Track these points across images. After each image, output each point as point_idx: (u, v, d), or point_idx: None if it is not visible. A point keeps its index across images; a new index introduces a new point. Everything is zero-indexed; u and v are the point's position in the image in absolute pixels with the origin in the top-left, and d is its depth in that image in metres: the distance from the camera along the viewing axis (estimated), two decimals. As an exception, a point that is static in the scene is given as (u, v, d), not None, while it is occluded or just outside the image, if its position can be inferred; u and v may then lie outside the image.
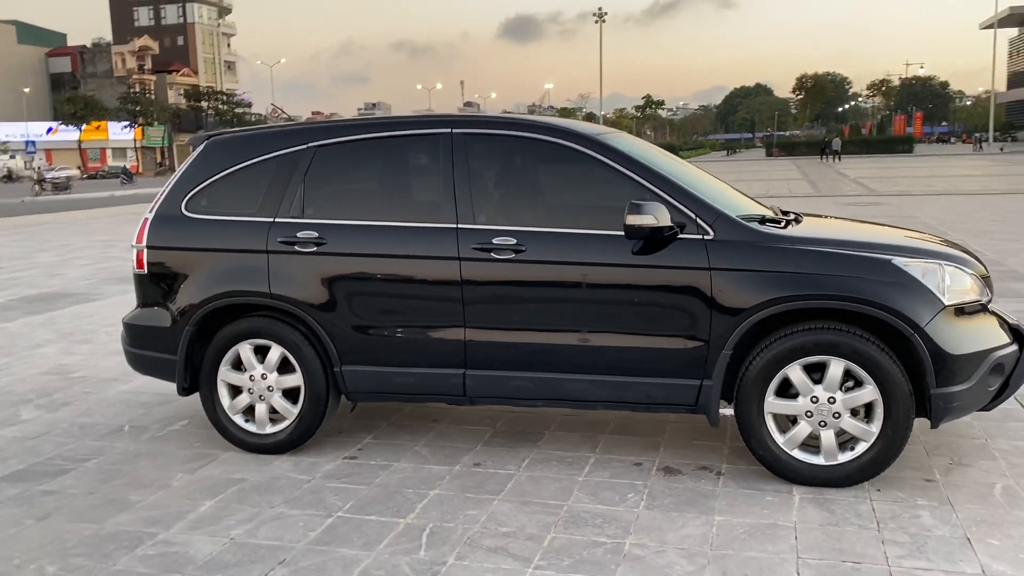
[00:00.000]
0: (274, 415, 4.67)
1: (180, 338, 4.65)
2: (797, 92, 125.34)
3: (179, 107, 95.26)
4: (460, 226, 4.30)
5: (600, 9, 71.74)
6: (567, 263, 4.16)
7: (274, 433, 4.64)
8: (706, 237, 4.04)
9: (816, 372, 3.97)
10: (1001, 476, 4.09)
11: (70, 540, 3.70)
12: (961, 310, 3.95)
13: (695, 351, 4.05)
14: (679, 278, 4.04)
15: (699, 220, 4.07)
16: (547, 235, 4.21)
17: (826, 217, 5.28)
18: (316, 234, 4.47)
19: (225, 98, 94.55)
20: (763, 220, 4.27)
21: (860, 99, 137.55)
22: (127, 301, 9.69)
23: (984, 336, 3.97)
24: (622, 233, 4.07)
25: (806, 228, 4.35)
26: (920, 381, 3.90)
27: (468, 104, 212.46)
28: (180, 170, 4.86)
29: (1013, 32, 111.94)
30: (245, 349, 4.61)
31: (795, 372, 3.95)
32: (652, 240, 4.05)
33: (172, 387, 5.87)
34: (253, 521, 3.84)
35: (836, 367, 3.90)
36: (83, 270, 12.62)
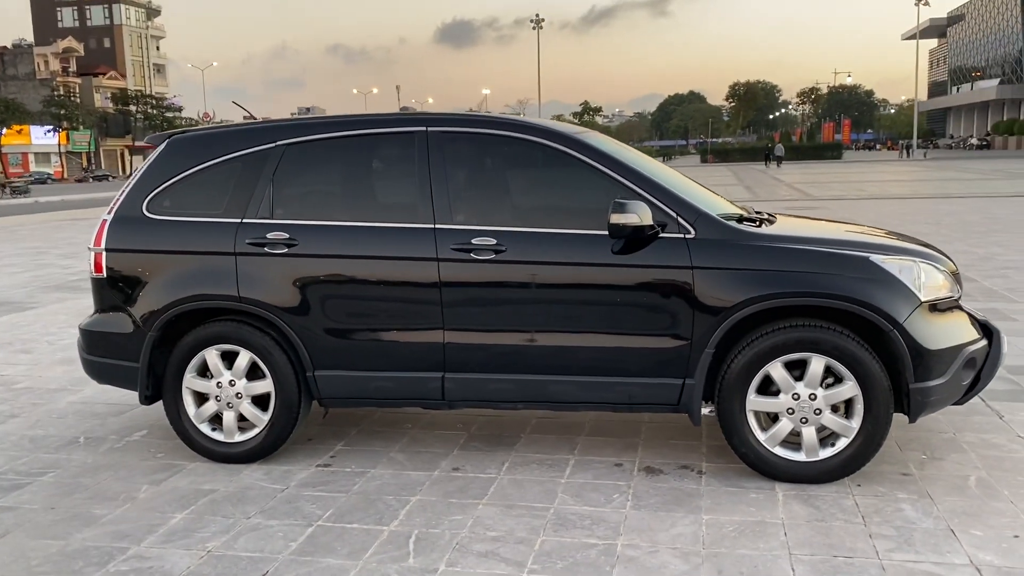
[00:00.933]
0: (242, 423, 4.52)
1: (142, 345, 4.46)
2: (730, 100, 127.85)
3: (106, 111, 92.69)
4: (438, 226, 4.22)
5: (538, 15, 72.15)
6: (548, 263, 4.11)
7: (243, 441, 4.48)
8: (687, 236, 4.04)
9: (796, 369, 4.00)
10: (974, 468, 4.17)
11: (34, 558, 3.51)
12: (935, 306, 4.02)
13: (678, 350, 4.04)
14: (661, 277, 4.02)
15: (680, 219, 4.06)
16: (528, 235, 4.16)
17: (798, 217, 5.34)
18: (287, 235, 4.33)
19: (155, 102, 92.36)
20: (740, 219, 4.29)
21: (790, 107, 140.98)
22: (66, 309, 9.35)
23: (957, 332, 4.05)
24: (603, 232, 4.05)
25: (782, 227, 4.38)
26: (897, 377, 3.95)
27: (404, 109, 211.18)
28: (140, 170, 4.68)
29: (933, 43, 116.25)
30: (212, 355, 4.45)
31: (776, 369, 3.97)
32: (634, 239, 4.03)
33: (126, 396, 5.73)
34: (229, 533, 3.69)
35: (817, 364, 3.93)
36: (15, 278, 12.12)
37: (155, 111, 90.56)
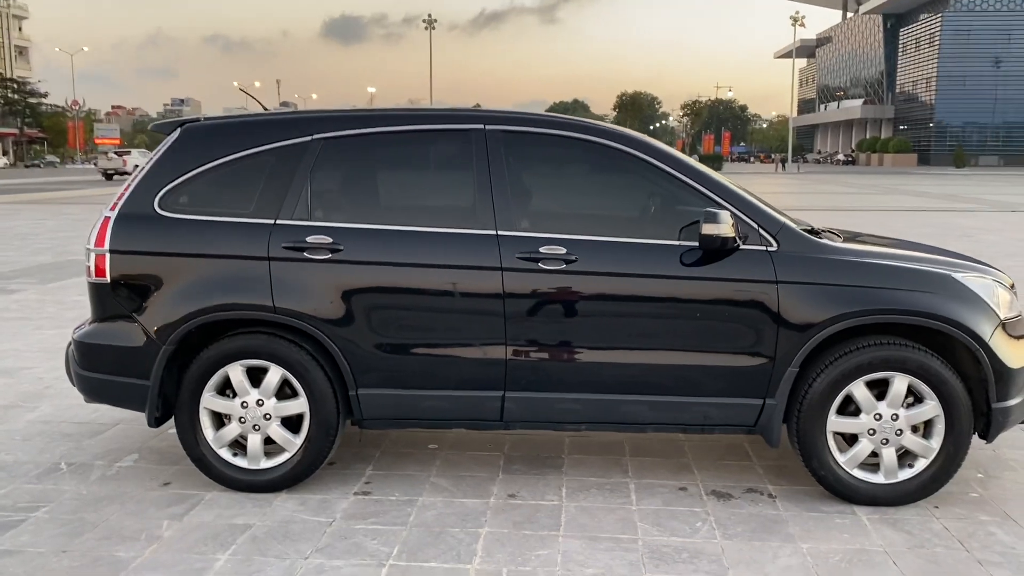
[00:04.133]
0: (268, 447, 4.05)
1: (155, 360, 3.93)
2: (616, 109, 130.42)
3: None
4: (500, 233, 3.89)
5: (430, 16, 71.56)
6: (623, 275, 3.85)
7: (271, 468, 4.01)
8: (770, 248, 3.86)
9: (873, 389, 3.88)
10: (1035, 487, 4.16)
11: (69, 615, 2.98)
12: (1004, 324, 3.98)
13: (759, 368, 3.85)
14: (744, 291, 3.82)
15: (762, 231, 3.88)
16: (601, 244, 3.88)
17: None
18: (330, 239, 3.90)
19: (16, 86, 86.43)
20: (813, 231, 4.14)
21: (671, 118, 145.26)
22: (-18, 312, 8.41)
23: (1027, 350, 4.02)
24: (679, 243, 3.84)
25: (856, 242, 4.25)
26: (973, 396, 3.89)
27: (284, 103, 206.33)
28: (149, 162, 4.13)
29: (803, 63, 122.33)
30: (236, 371, 3.96)
31: (860, 389, 3.83)
32: (715, 251, 3.81)
33: (96, 414, 5.15)
34: (292, 577, 3.26)
35: (900, 383, 3.82)
36: (-99, 275, 10.88)
37: (17, 96, 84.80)
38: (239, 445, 4.07)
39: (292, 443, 4.00)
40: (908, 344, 3.81)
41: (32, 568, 3.32)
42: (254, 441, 4.00)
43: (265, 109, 4.63)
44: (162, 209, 4.01)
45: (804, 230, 4.02)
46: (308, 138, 4.04)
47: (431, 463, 4.44)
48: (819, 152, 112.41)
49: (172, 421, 4.13)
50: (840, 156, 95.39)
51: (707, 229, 3.69)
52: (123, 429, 4.94)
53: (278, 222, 3.94)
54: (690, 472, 4.33)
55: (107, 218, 4.03)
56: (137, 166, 44.35)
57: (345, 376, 3.94)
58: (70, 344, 4.30)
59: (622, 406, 3.92)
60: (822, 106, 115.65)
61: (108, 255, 3.99)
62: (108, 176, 45.36)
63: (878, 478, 3.90)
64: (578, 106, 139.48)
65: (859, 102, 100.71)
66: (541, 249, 3.85)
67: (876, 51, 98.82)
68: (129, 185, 4.09)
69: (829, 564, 3.37)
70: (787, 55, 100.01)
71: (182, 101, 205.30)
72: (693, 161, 4.13)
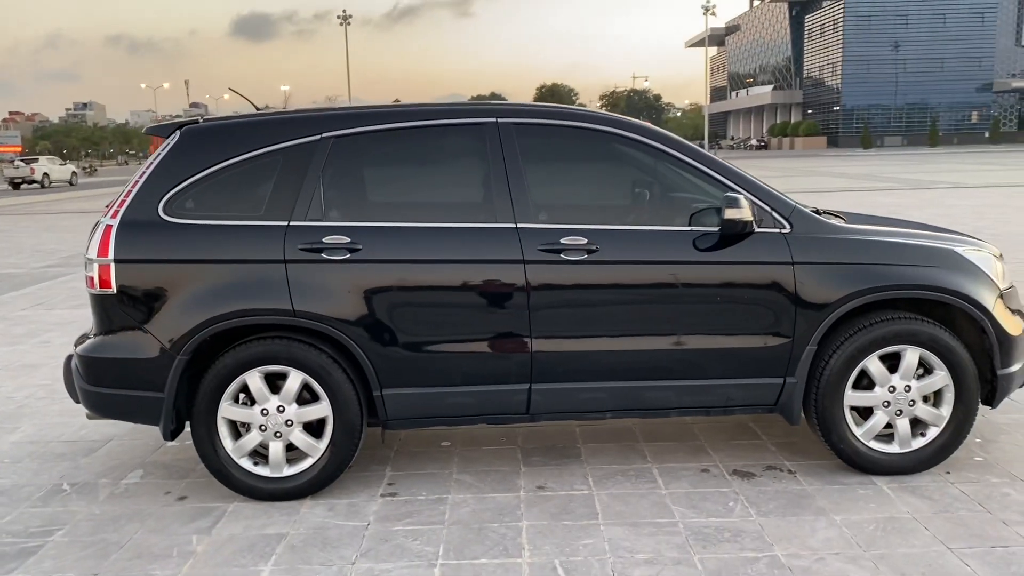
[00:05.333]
0: (289, 454, 3.96)
1: (170, 371, 3.80)
2: (536, 101, 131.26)
3: None
4: (520, 225, 3.88)
5: (345, 11, 70.54)
6: (645, 262, 3.89)
7: (295, 475, 3.93)
8: (783, 231, 3.95)
9: (886, 362, 4.01)
10: (1032, 448, 4.37)
11: (124, 639, 2.87)
12: (1003, 294, 4.17)
13: (780, 348, 3.94)
14: (762, 274, 3.90)
15: (775, 214, 3.97)
16: (621, 233, 3.91)
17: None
18: (347, 239, 3.83)
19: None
20: (819, 212, 4.25)
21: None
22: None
23: (1021, 319, 4.22)
24: (697, 229, 3.90)
25: (861, 222, 4.38)
26: (979, 364, 4.06)
27: (195, 105, 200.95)
28: (148, 167, 3.98)
29: (713, 51, 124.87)
30: (255, 378, 3.86)
31: (874, 363, 3.96)
32: (734, 236, 3.89)
33: (84, 432, 4.98)
34: (344, 583, 3.20)
35: (912, 355, 3.96)
36: None
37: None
38: (258, 454, 3.97)
39: (316, 448, 3.92)
40: (918, 318, 3.96)
41: (67, 594, 3.18)
42: (276, 448, 3.91)
43: (257, 109, 4.51)
44: (167, 215, 3.87)
45: (812, 211, 4.12)
46: (317, 137, 3.96)
47: (449, 460, 4.41)
48: (733, 138, 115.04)
49: (159, 433, 4.00)
50: (753, 141, 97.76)
51: (729, 214, 3.76)
52: (118, 445, 4.76)
53: (292, 224, 3.85)
54: (707, 454, 4.40)
55: (108, 226, 3.87)
56: (46, 174, 41.94)
57: (369, 377, 3.88)
58: (70, 358, 4.13)
59: (647, 392, 3.97)
60: (733, 93, 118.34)
61: (113, 265, 3.83)
62: (15, 185, 43.06)
63: (893, 448, 4.04)
64: (495, 98, 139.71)
65: (769, 88, 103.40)
66: (563, 240, 3.86)
67: (783, 38, 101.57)
68: (129, 191, 3.93)
69: (866, 534, 3.48)
70: (698, 44, 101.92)
71: (85, 105, 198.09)
72: (702, 149, 4.19)
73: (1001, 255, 4.41)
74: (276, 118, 4.05)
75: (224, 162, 3.93)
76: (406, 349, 3.87)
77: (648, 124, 4.16)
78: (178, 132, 4.02)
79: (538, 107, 4.12)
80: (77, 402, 4.12)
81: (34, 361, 6.75)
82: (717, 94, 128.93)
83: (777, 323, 3.92)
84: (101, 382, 3.91)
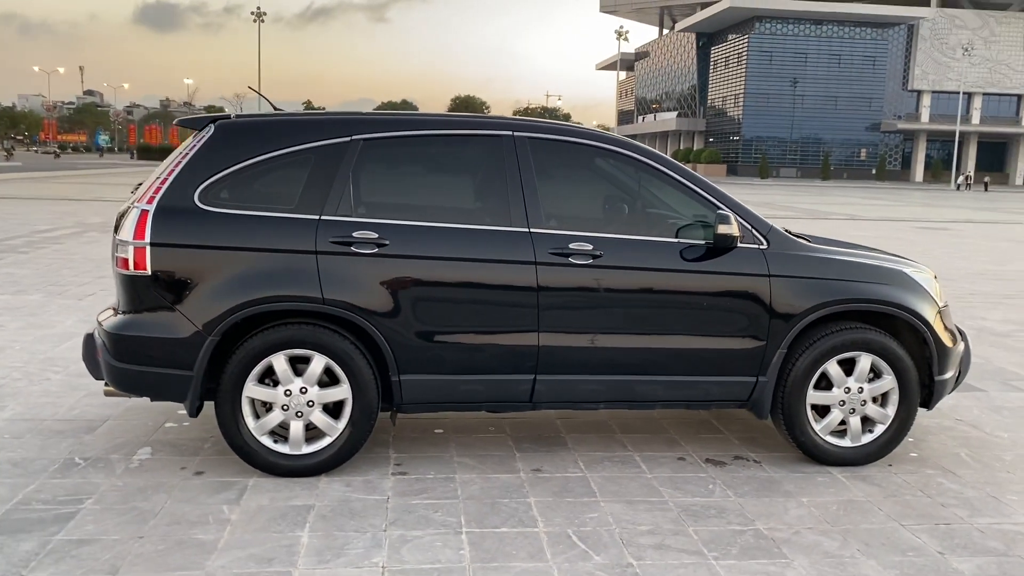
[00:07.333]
0: (308, 433, 4.23)
1: (200, 351, 4.03)
2: (451, 111, 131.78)
3: None
4: (533, 230, 4.28)
5: (259, 8, 69.47)
6: (642, 269, 4.34)
7: (313, 453, 4.20)
8: (761, 247, 4.46)
9: (843, 366, 4.57)
10: (958, 445, 5.01)
11: (192, 591, 3.11)
12: (941, 311, 4.80)
13: (755, 350, 4.44)
14: (743, 284, 4.41)
15: (755, 231, 4.48)
16: (622, 241, 4.35)
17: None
18: (376, 234, 4.14)
19: None
20: (790, 232, 4.79)
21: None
22: None
23: (954, 333, 4.86)
24: (688, 241, 4.38)
25: (823, 243, 4.94)
26: (919, 371, 4.67)
27: (89, 93, 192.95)
28: (183, 157, 4.20)
29: (623, 75, 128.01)
30: (280, 361, 4.13)
31: (833, 366, 4.51)
32: (718, 249, 4.38)
33: (76, 411, 5.12)
34: (382, 547, 3.51)
35: (865, 361, 4.53)
36: None
37: None
38: (276, 432, 4.22)
39: (334, 428, 4.20)
40: (871, 328, 4.53)
41: (117, 553, 3.38)
42: (296, 428, 4.17)
43: (275, 108, 4.77)
44: (203, 203, 4.10)
45: (784, 231, 4.66)
46: (348, 139, 4.26)
47: (447, 445, 4.74)
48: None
49: (155, 413, 4.20)
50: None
51: (722, 229, 4.25)
52: (116, 424, 4.90)
53: (323, 217, 4.14)
54: (680, 445, 4.88)
55: (144, 212, 4.08)
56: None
57: (388, 363, 4.19)
58: (91, 334, 4.29)
59: (638, 386, 4.41)
60: (640, 117, 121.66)
61: (148, 248, 4.03)
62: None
63: (846, 442, 4.60)
64: (407, 106, 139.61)
65: (674, 115, 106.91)
66: (571, 245, 4.27)
67: (690, 67, 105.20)
68: (165, 179, 4.14)
69: (831, 512, 4.01)
70: (609, 67, 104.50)
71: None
72: (695, 172, 4.68)
73: (937, 276, 5.06)
74: (309, 119, 4.34)
75: (259, 156, 4.20)
76: (424, 338, 4.20)
77: (653, 149, 4.63)
78: (212, 126, 4.26)
79: (551, 124, 4.53)
80: (98, 378, 4.29)
81: (-4, 344, 6.72)
82: (625, 117, 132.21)
83: (753, 327, 4.43)
84: (129, 359, 4.10)
